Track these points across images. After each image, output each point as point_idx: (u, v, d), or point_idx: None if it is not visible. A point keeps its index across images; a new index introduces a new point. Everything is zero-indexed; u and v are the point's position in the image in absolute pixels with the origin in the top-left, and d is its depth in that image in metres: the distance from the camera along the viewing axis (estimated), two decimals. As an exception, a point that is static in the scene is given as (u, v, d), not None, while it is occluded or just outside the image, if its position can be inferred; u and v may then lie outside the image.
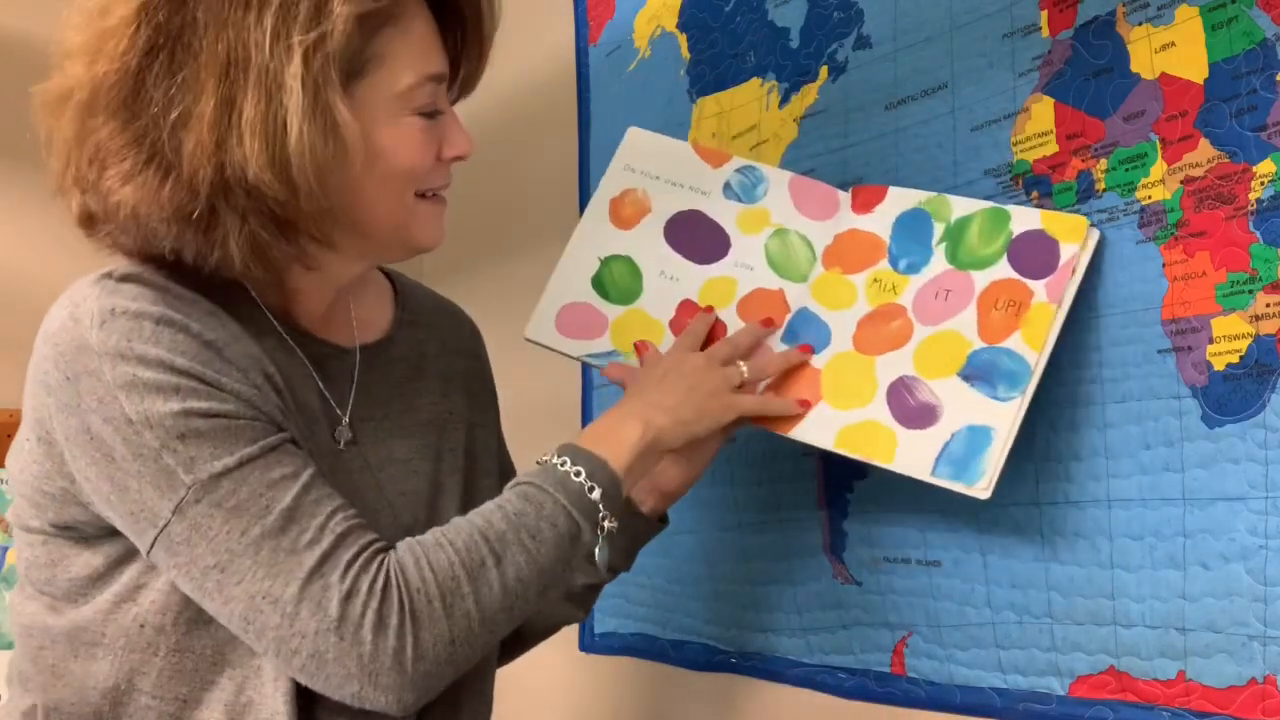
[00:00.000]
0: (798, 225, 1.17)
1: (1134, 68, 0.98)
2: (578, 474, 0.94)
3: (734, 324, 1.15)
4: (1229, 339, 0.91)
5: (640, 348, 1.14)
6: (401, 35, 0.92)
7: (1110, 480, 0.99)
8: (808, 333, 1.13)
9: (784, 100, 1.31)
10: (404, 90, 0.92)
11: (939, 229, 1.09)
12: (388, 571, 0.87)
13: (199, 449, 0.85)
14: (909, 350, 1.07)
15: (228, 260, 0.89)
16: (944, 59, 1.14)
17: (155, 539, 0.86)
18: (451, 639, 0.87)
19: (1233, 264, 0.91)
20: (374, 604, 0.85)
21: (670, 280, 1.17)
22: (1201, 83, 0.93)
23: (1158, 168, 0.97)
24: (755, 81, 1.35)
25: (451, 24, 0.98)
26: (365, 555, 0.87)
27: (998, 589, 1.08)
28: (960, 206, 1.09)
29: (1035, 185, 1.06)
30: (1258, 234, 0.90)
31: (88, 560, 0.92)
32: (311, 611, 0.84)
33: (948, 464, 1.01)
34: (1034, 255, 1.03)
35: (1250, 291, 0.90)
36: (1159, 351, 0.96)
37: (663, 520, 1.15)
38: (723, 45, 1.40)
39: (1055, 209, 1.04)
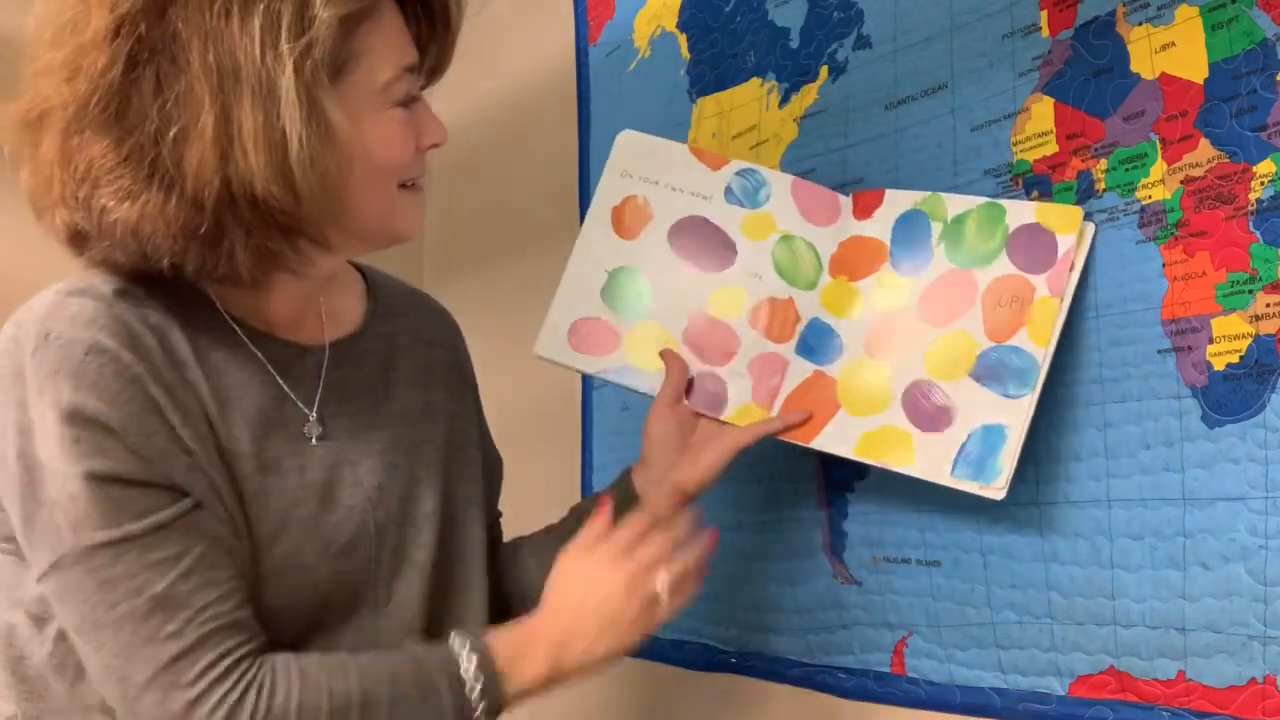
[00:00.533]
0: (803, 231, 1.17)
1: (1134, 68, 0.98)
2: (474, 685, 0.93)
3: (745, 334, 1.15)
4: (1229, 339, 0.91)
5: (667, 358, 1.15)
6: (376, 30, 0.92)
7: (1110, 480, 0.99)
8: (819, 343, 1.13)
9: (784, 100, 1.31)
10: (384, 84, 0.92)
11: (937, 229, 1.09)
12: (247, 687, 0.86)
13: (87, 512, 0.84)
14: (919, 353, 1.07)
15: (235, 271, 0.89)
16: (944, 59, 1.14)
17: (39, 578, 0.87)
18: None
19: (1233, 264, 0.91)
20: (220, 717, 0.85)
21: (680, 291, 1.17)
22: (1201, 83, 0.93)
23: (1158, 168, 0.97)
24: (755, 81, 1.35)
25: (417, 12, 0.98)
26: (226, 663, 0.86)
27: (998, 589, 1.08)
28: (955, 204, 1.09)
29: (1035, 185, 1.06)
30: (1258, 234, 0.90)
31: None
32: (154, 704, 0.84)
33: (965, 465, 1.01)
34: (1033, 249, 1.03)
35: (1250, 291, 0.90)
36: (1159, 351, 0.96)
37: None
38: (723, 45, 1.40)
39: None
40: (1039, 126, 1.05)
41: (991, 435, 1.01)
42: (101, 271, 0.92)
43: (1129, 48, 0.99)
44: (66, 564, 0.85)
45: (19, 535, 0.89)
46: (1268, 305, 0.89)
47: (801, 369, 1.14)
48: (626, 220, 1.19)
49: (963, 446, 1.02)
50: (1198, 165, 0.94)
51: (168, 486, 0.87)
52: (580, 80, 1.67)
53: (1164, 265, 0.96)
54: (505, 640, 0.97)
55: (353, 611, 0.97)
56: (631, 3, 1.57)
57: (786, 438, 1.12)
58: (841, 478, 1.22)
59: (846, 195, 1.17)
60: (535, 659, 0.96)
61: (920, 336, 1.08)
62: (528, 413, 1.78)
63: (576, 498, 1.57)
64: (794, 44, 1.30)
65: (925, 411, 1.05)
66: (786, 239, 1.17)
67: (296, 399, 0.99)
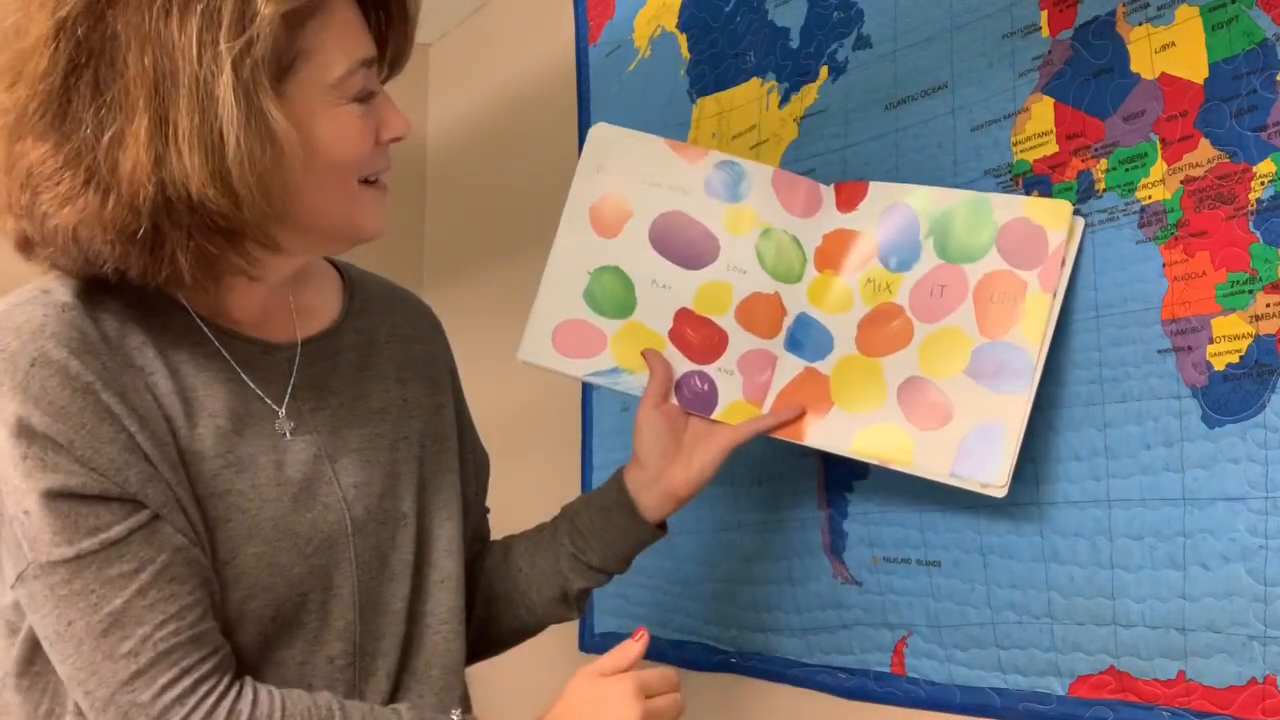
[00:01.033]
0: (785, 224, 1.15)
1: (1134, 68, 0.98)
2: None
3: (733, 330, 1.14)
4: (1229, 339, 0.91)
5: (649, 358, 1.14)
6: (327, 25, 0.90)
7: (1110, 480, 0.99)
8: (808, 338, 1.13)
9: (784, 100, 1.31)
10: (336, 80, 0.90)
11: (924, 223, 1.09)
12: (213, 705, 0.86)
13: (41, 529, 0.84)
14: (913, 350, 1.07)
15: (177, 275, 0.87)
16: (944, 59, 1.14)
17: (10, 586, 0.87)
18: None
19: (1233, 264, 0.91)
20: None
21: (663, 289, 1.15)
22: (1201, 83, 0.93)
23: (1158, 168, 0.97)
24: (755, 81, 1.35)
25: (373, 6, 0.96)
26: (186, 682, 0.85)
27: (998, 589, 1.08)
28: (941, 198, 1.09)
29: (1035, 185, 1.06)
30: (1258, 234, 0.90)
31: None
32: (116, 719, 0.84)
33: (965, 463, 1.01)
34: (1023, 245, 1.03)
35: (1250, 291, 0.90)
36: (1159, 351, 0.96)
37: (661, 527, 1.14)
38: (723, 45, 1.40)
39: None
40: (1039, 126, 1.05)
41: (990, 433, 1.01)
42: (61, 274, 0.91)
43: (1129, 48, 0.99)
44: (28, 578, 0.85)
45: None
46: (1268, 305, 0.89)
47: (791, 364, 1.13)
48: (605, 218, 1.17)
49: (961, 445, 1.02)
50: (1198, 165, 0.94)
51: (122, 499, 0.85)
52: (580, 80, 1.67)
53: (1164, 265, 0.96)
54: None
55: (331, 611, 0.97)
56: (631, 3, 1.57)
57: (780, 435, 1.12)
58: (841, 478, 1.22)
59: (828, 186, 1.16)
60: None
61: (912, 332, 1.07)
62: (527, 413, 1.79)
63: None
64: (794, 44, 1.30)
65: (922, 409, 1.05)
66: (769, 232, 1.15)
67: (265, 396, 0.97)
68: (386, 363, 1.08)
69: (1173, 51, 0.95)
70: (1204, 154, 0.93)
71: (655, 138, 1.18)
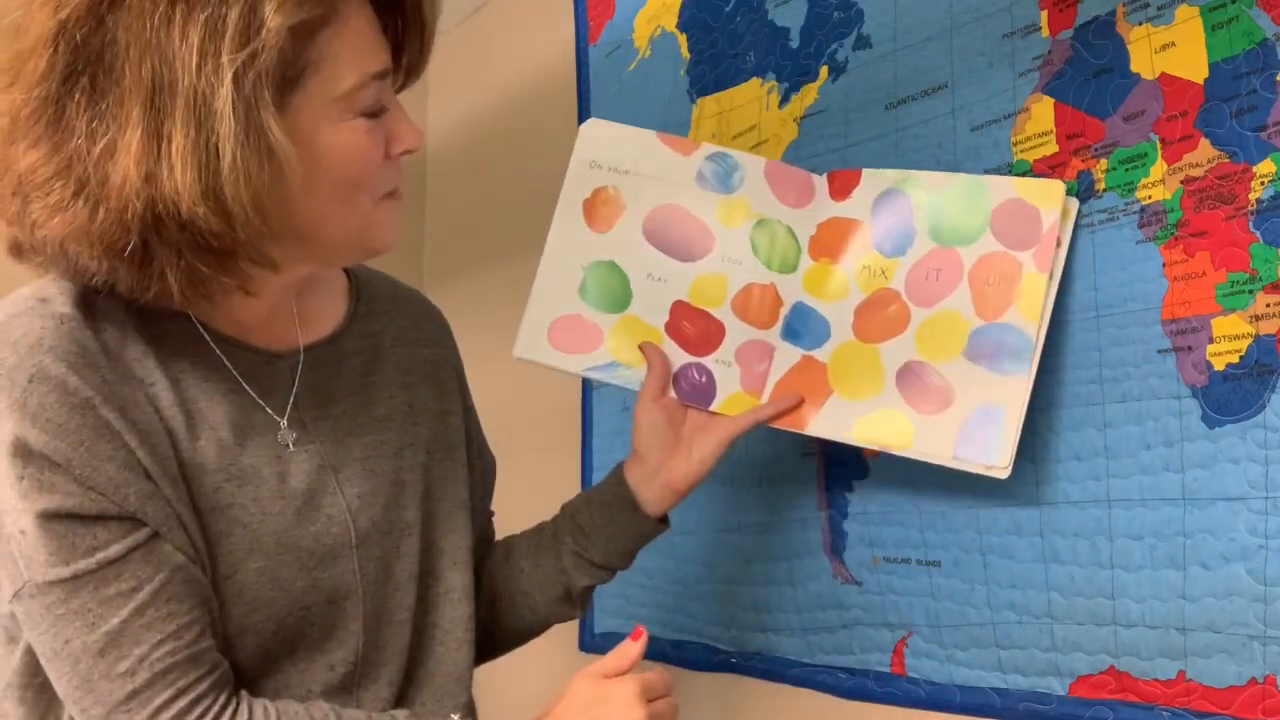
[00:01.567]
0: (779, 214, 1.15)
1: (1134, 68, 0.98)
2: None
3: (729, 322, 1.14)
4: (1229, 339, 0.91)
5: (646, 351, 1.14)
6: (339, 36, 0.86)
7: (1110, 480, 0.99)
8: (805, 327, 1.13)
9: (784, 100, 1.31)
10: (345, 93, 0.87)
11: (918, 207, 1.09)
12: None
13: (37, 549, 0.83)
14: (910, 334, 1.07)
15: (166, 293, 0.85)
16: (944, 59, 1.14)
17: (8, 601, 0.86)
18: None
19: (1233, 264, 0.91)
20: None
21: (659, 282, 1.15)
22: (1201, 83, 0.93)
23: (1158, 168, 0.97)
24: (755, 81, 1.35)
25: (391, 11, 0.93)
26: (183, 702, 0.84)
27: (998, 589, 1.08)
28: (934, 182, 1.09)
29: (1035, 185, 1.06)
30: (1258, 234, 0.90)
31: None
32: None
33: (967, 446, 1.01)
34: (1017, 225, 1.03)
35: (1250, 291, 0.90)
36: (1159, 351, 0.96)
37: (663, 521, 1.14)
38: (723, 45, 1.40)
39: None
40: (1039, 126, 1.05)
41: (991, 415, 1.01)
42: (59, 277, 0.89)
43: (1129, 48, 0.99)
44: (25, 595, 0.84)
45: None
46: (1268, 305, 0.89)
47: (789, 354, 1.13)
48: (598, 212, 1.17)
49: (962, 428, 1.02)
50: (1198, 165, 0.94)
51: (121, 517, 0.84)
52: (580, 80, 1.67)
53: (1164, 265, 0.96)
54: None
55: (336, 624, 0.96)
56: (631, 3, 1.57)
57: (780, 425, 1.12)
58: (841, 478, 1.23)
59: (820, 175, 1.16)
60: None
61: (909, 317, 1.07)
62: (528, 413, 1.79)
63: (576, 498, 1.57)
64: (794, 44, 1.30)
65: (921, 393, 1.05)
66: (763, 223, 1.15)
67: (267, 407, 0.96)
68: (392, 368, 1.06)
69: (1173, 51, 0.95)
70: (1204, 154, 0.93)
71: (646, 131, 1.18)
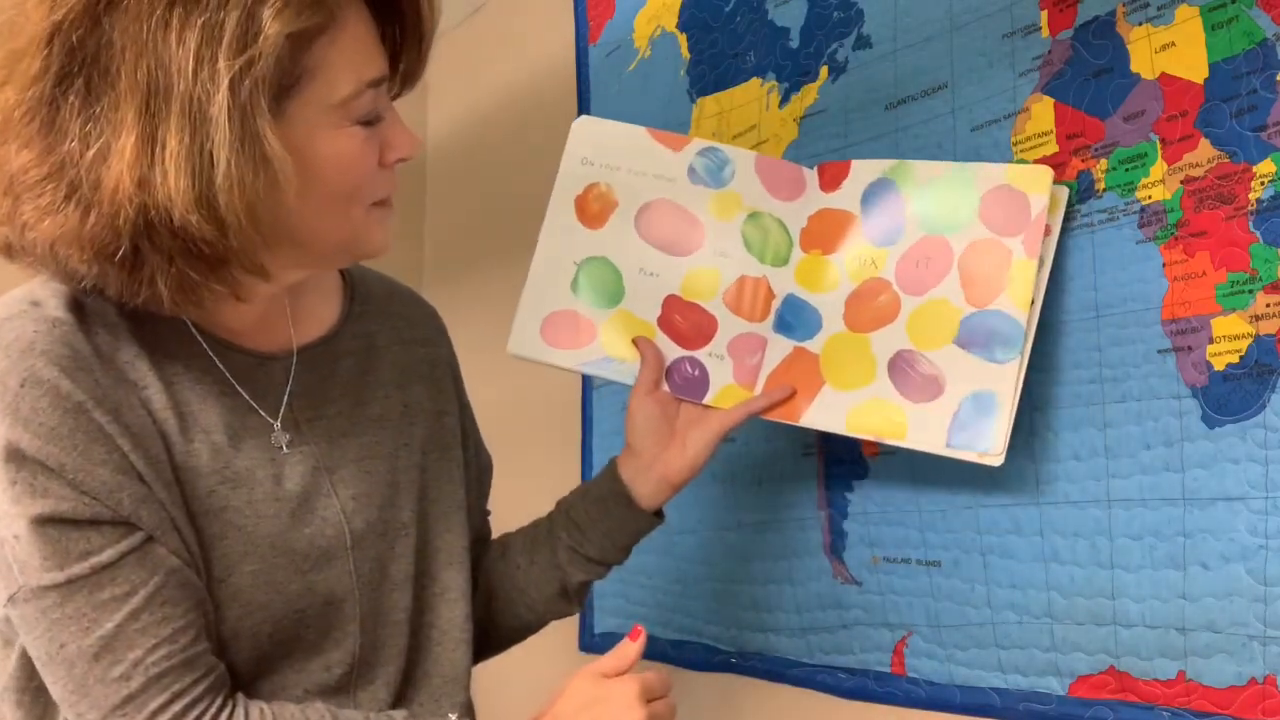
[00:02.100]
0: (770, 208, 1.15)
1: (1134, 68, 0.98)
2: None
3: (722, 315, 1.14)
4: (1229, 339, 0.91)
5: (640, 345, 1.14)
6: (336, 43, 0.85)
7: (1110, 480, 0.99)
8: (797, 319, 1.13)
9: (784, 100, 1.31)
10: (341, 100, 0.86)
11: (907, 196, 1.09)
12: None
13: (31, 555, 0.82)
14: (901, 323, 1.07)
15: (156, 299, 0.84)
16: (944, 59, 1.14)
17: (2, 605, 0.86)
18: None
19: (1233, 264, 0.91)
20: None
21: (651, 277, 1.16)
22: (1201, 83, 0.93)
23: (1158, 168, 0.97)
24: (755, 81, 1.35)
25: (390, 18, 0.92)
26: (178, 706, 0.84)
27: (998, 589, 1.08)
28: (924, 170, 1.09)
29: (1035, 185, 1.06)
30: (1258, 234, 0.90)
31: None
32: None
33: (960, 434, 1.01)
34: (1005, 212, 1.03)
35: (1250, 291, 0.90)
36: (1159, 351, 0.96)
37: (658, 515, 1.13)
38: (723, 45, 1.40)
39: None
40: (1039, 126, 1.05)
41: (983, 402, 1.01)
42: (50, 279, 0.88)
43: (1129, 48, 0.99)
44: (20, 600, 0.84)
45: None
46: (1268, 305, 0.89)
47: (781, 346, 1.13)
48: (591, 209, 1.17)
49: (955, 416, 1.02)
50: (1198, 165, 0.94)
51: (114, 522, 0.84)
52: (580, 80, 1.67)
53: (1164, 265, 0.96)
54: None
55: (332, 625, 0.96)
56: (631, 3, 1.57)
57: (773, 417, 1.12)
58: (841, 478, 1.23)
59: (811, 168, 1.16)
60: None
61: (899, 306, 1.07)
62: (528, 412, 1.79)
63: (576, 498, 1.57)
64: (794, 44, 1.30)
65: (913, 382, 1.05)
66: (755, 216, 1.15)
67: (260, 409, 0.95)
68: (387, 368, 1.06)
69: (1173, 51, 0.95)
70: (1204, 154, 0.93)
71: (637, 128, 1.19)
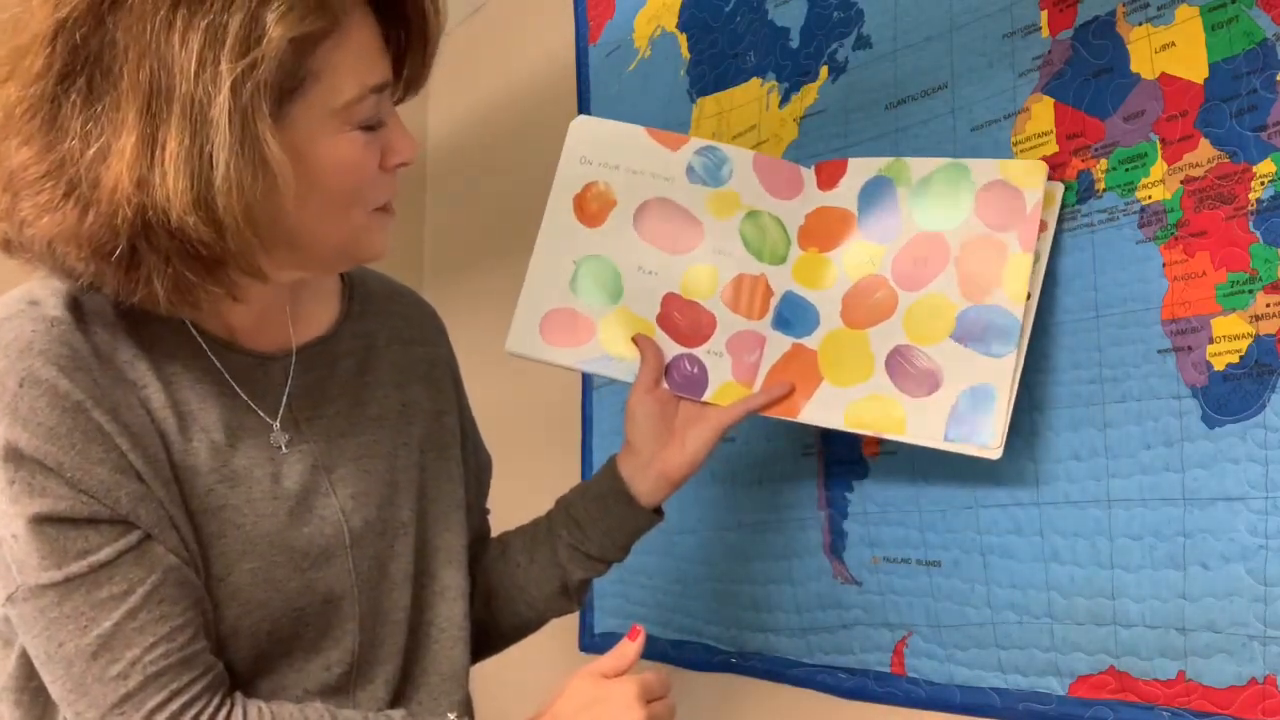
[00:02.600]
0: (768, 206, 1.16)
1: (1134, 68, 0.98)
2: None
3: (720, 313, 1.15)
4: (1229, 339, 0.91)
5: (639, 342, 1.14)
6: (340, 47, 0.85)
7: (1110, 480, 0.99)
8: (796, 316, 1.13)
9: (784, 100, 1.31)
10: (344, 105, 0.86)
11: (903, 193, 1.10)
12: None
13: (29, 554, 0.83)
14: (898, 319, 1.07)
15: (152, 299, 0.84)
16: (944, 59, 1.14)
17: (1, 604, 0.86)
18: None
19: (1233, 264, 0.91)
20: None
21: (650, 275, 1.16)
22: (1201, 83, 0.93)
23: (1158, 168, 0.97)
24: (755, 81, 1.35)
25: (395, 23, 0.92)
26: (176, 704, 0.85)
27: (998, 589, 1.08)
28: (919, 167, 1.09)
29: (1035, 185, 1.06)
30: (1258, 234, 0.90)
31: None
32: None
33: (958, 428, 1.02)
34: (1000, 207, 1.03)
35: (1250, 291, 0.90)
36: (1159, 351, 0.96)
37: (658, 512, 1.13)
38: (723, 45, 1.40)
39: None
40: (1039, 126, 1.05)
41: (980, 396, 1.02)
42: (49, 277, 0.89)
43: (1129, 48, 0.99)
44: (18, 599, 0.84)
45: None
46: (1268, 305, 0.89)
47: (779, 343, 1.14)
48: (589, 207, 1.17)
49: (953, 410, 1.03)
50: (1198, 165, 0.94)
51: (112, 520, 0.84)
52: (580, 80, 1.67)
53: (1164, 265, 0.96)
54: None
55: (331, 624, 0.96)
56: (631, 3, 1.57)
57: (772, 413, 1.12)
58: (841, 478, 1.23)
59: (808, 167, 1.17)
60: None
61: (896, 302, 1.08)
62: (528, 412, 1.79)
63: (576, 498, 1.57)
64: (794, 44, 1.30)
65: (911, 377, 1.06)
66: (753, 215, 1.16)
67: (259, 409, 0.95)
68: (386, 367, 1.06)
69: (1173, 51, 0.95)
70: (1204, 154, 0.93)
71: (635, 127, 1.19)
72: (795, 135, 1.30)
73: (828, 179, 1.15)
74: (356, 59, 0.86)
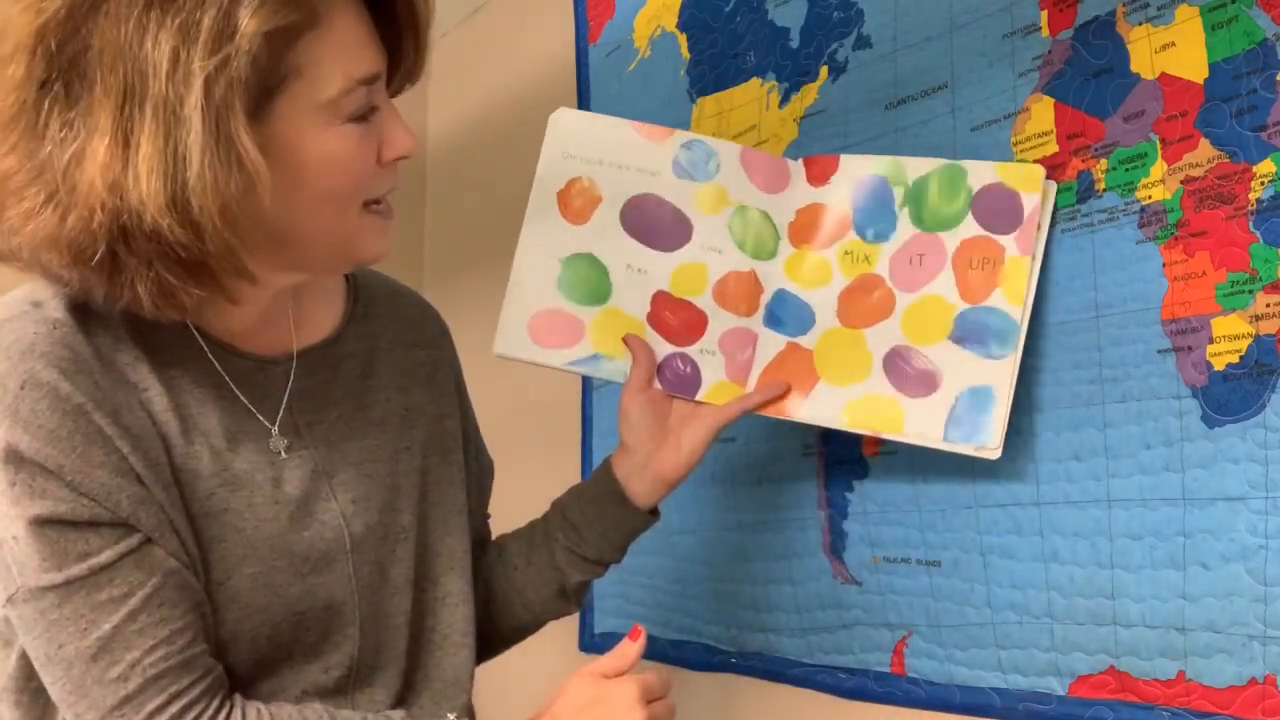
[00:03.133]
0: (756, 201, 1.15)
1: (1134, 68, 0.98)
2: None
3: (711, 310, 1.14)
4: (1229, 339, 0.91)
5: (630, 342, 1.13)
6: (323, 40, 0.83)
7: (1110, 480, 0.99)
8: (789, 314, 1.13)
9: (784, 100, 1.31)
10: (331, 99, 0.84)
11: (899, 193, 1.10)
12: None
13: (29, 555, 0.83)
14: (896, 319, 1.08)
15: (136, 303, 0.84)
16: (944, 59, 1.14)
17: (1, 605, 0.86)
18: None
19: (1233, 264, 0.91)
20: None
21: (638, 273, 1.14)
22: (1201, 83, 0.93)
23: (1158, 168, 0.97)
24: (755, 81, 1.35)
25: (385, 13, 0.90)
26: (176, 707, 0.84)
27: (998, 589, 1.08)
28: (915, 167, 1.09)
29: (1035, 185, 1.06)
30: (1258, 234, 0.90)
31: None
32: None
33: (957, 428, 1.02)
34: (998, 209, 1.04)
35: (1250, 291, 0.90)
36: (1159, 351, 0.96)
37: (654, 513, 1.13)
38: (723, 45, 1.40)
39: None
40: (1039, 126, 1.05)
41: (979, 397, 1.02)
42: (53, 283, 0.88)
43: (1129, 48, 0.99)
44: (18, 601, 0.84)
45: None
46: (1268, 305, 0.89)
47: (772, 341, 1.13)
48: (574, 204, 1.15)
49: (951, 410, 1.03)
50: (1198, 165, 0.94)
51: (113, 523, 0.84)
52: (580, 80, 1.67)
53: (1164, 265, 0.96)
54: None
55: (331, 629, 0.96)
56: (631, 3, 1.57)
57: (768, 412, 1.11)
58: (841, 478, 1.23)
59: (796, 161, 1.16)
60: None
61: (894, 302, 1.08)
62: (528, 413, 1.79)
63: (576, 498, 1.57)
64: (794, 44, 1.30)
65: (909, 377, 1.06)
66: (741, 210, 1.14)
67: (259, 413, 0.95)
68: (389, 370, 1.05)
69: (1173, 51, 0.95)
70: (1204, 154, 0.93)
71: (619, 120, 1.17)
72: (795, 135, 1.30)
73: (819, 175, 1.14)
74: (340, 51, 0.85)
